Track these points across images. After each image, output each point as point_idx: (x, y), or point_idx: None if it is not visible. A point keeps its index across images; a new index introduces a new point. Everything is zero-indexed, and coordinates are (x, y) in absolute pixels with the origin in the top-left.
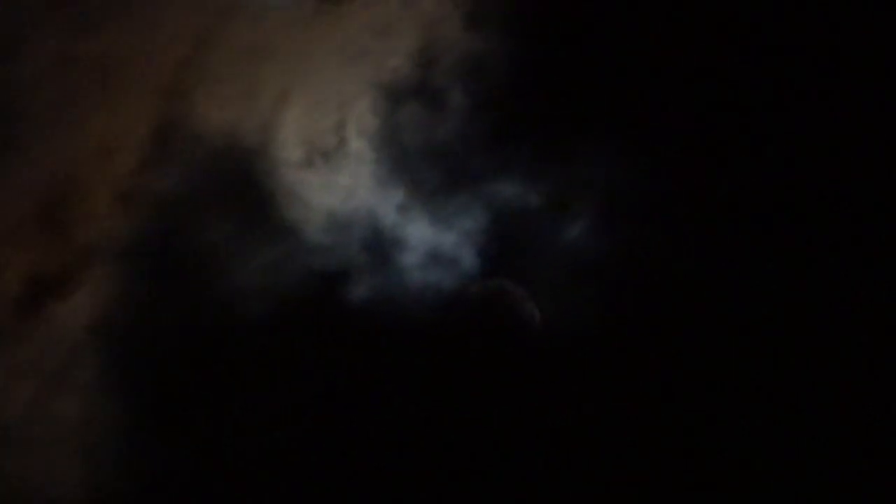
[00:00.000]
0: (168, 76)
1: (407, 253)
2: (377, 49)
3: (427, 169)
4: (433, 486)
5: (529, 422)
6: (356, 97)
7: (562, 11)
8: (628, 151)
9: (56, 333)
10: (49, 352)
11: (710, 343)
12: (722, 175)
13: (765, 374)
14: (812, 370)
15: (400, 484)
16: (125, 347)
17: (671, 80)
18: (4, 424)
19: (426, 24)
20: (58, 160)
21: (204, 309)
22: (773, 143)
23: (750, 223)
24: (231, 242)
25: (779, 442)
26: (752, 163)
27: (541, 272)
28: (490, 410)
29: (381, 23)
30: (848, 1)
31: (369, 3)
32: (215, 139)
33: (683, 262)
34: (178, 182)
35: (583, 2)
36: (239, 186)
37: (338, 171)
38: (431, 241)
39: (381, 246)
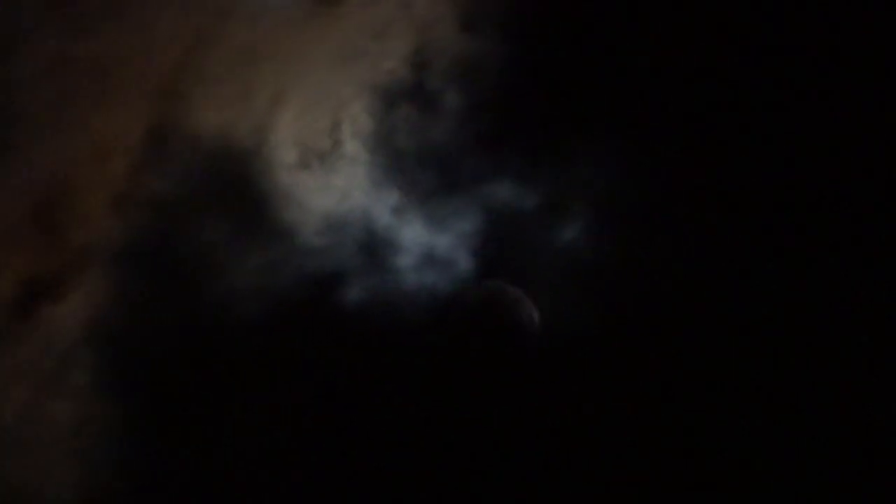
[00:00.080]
0: (165, 77)
1: (402, 255)
2: (372, 50)
3: (423, 171)
4: (432, 488)
5: (528, 423)
6: (351, 99)
7: (558, 13)
8: (625, 152)
9: (52, 335)
10: (45, 353)
11: (710, 344)
12: (719, 176)
13: (764, 375)
14: (812, 370)
15: (397, 488)
16: (121, 349)
17: (668, 81)
18: (0, 426)
19: (422, 25)
20: (54, 161)
21: (199, 310)
22: (772, 143)
23: (749, 224)
24: (226, 244)
25: (779, 442)
26: (750, 163)
27: (538, 274)
28: (489, 412)
29: (376, 24)
30: (848, 1)
31: (364, 5)
32: (211, 140)
33: (682, 263)
34: (173, 183)
35: (579, 3)
36: (234, 188)
37: (333, 172)
38: (427, 243)
39: (376, 248)
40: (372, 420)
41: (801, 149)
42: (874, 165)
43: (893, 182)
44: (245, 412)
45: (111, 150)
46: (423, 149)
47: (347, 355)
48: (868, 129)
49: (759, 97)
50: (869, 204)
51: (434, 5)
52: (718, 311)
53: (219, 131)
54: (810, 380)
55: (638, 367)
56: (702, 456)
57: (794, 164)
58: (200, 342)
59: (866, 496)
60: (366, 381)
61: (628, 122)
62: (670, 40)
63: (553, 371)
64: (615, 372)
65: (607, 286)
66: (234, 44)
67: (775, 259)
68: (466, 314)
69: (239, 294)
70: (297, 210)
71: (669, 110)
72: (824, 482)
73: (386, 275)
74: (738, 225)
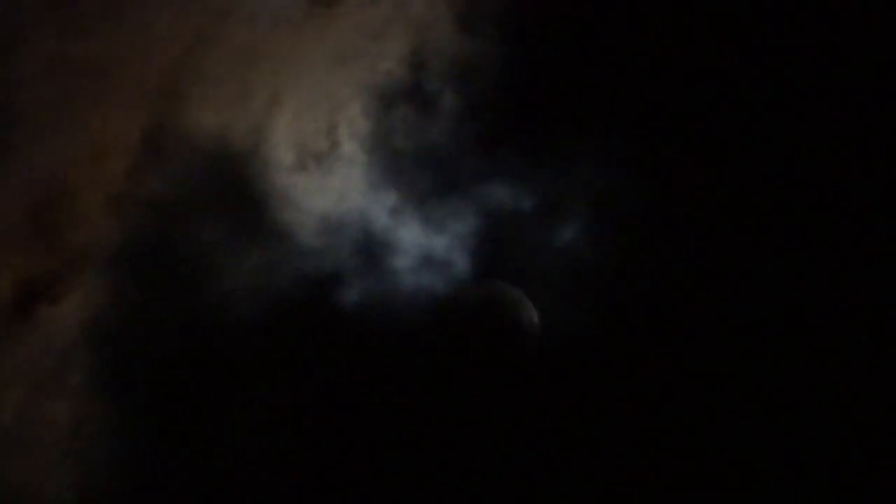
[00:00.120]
0: (164, 77)
1: (400, 256)
2: (369, 51)
3: (420, 171)
4: (431, 489)
5: (528, 423)
6: (349, 99)
7: (555, 14)
8: (624, 153)
9: (50, 335)
10: (44, 354)
11: (709, 344)
12: (718, 176)
13: (764, 375)
14: (812, 370)
15: (397, 488)
16: (119, 349)
17: (666, 82)
18: None
19: (419, 26)
20: (53, 161)
21: (197, 311)
22: (772, 143)
23: (748, 224)
24: (224, 244)
25: (779, 442)
26: (749, 163)
27: (536, 274)
28: (488, 412)
29: (374, 25)
30: (848, 1)
31: (362, 5)
32: (209, 141)
33: (680, 264)
34: (172, 184)
35: (575, 4)
36: (232, 189)
37: (330, 173)
38: (424, 244)
39: (373, 249)
40: (371, 420)
41: (800, 149)
42: (874, 165)
43: (893, 182)
44: (243, 412)
45: (110, 150)
46: (420, 149)
47: (346, 356)
48: (868, 129)
49: (759, 97)
50: (869, 204)
51: (431, 6)
52: (717, 311)
53: (217, 132)
54: (810, 380)
55: (637, 367)
56: (701, 456)
57: (793, 164)
58: (198, 342)
59: (866, 496)
60: (364, 381)
61: (627, 122)
62: (669, 40)
63: (552, 371)
64: (614, 372)
65: (606, 287)
66: (233, 44)
67: (774, 259)
68: (466, 315)
69: (237, 294)
70: (295, 211)
71: (668, 111)
72: (824, 482)
73: (384, 276)
74: (737, 225)
